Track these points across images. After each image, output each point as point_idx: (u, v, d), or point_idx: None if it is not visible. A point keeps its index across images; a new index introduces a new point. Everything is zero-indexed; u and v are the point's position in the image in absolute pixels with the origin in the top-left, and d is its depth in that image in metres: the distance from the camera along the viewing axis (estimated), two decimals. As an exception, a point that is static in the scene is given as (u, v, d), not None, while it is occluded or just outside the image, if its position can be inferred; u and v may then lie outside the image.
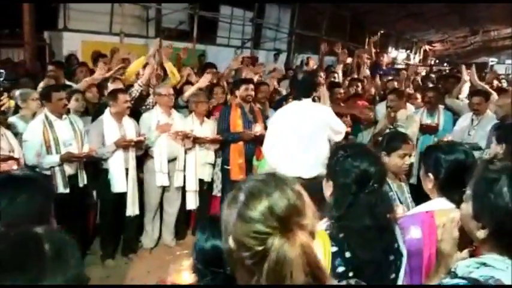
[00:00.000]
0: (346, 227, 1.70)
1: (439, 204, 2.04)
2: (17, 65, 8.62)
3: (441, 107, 5.78)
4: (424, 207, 2.17)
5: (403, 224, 1.95)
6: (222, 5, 13.19)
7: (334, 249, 1.69)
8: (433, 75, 10.83)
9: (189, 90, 5.25)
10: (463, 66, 6.92)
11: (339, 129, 4.02)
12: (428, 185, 2.11)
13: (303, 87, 4.16)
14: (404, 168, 2.97)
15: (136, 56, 5.95)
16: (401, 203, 2.81)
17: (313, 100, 4.38)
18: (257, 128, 4.81)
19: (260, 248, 1.05)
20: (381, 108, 5.92)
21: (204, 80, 5.27)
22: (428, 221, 1.97)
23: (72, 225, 4.35)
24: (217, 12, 13.14)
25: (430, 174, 2.09)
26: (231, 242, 1.11)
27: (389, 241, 1.77)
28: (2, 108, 3.51)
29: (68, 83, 5.66)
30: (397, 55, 21.42)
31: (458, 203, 1.91)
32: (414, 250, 1.89)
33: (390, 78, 7.01)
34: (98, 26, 10.15)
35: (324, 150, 3.65)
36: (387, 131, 5.03)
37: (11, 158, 3.53)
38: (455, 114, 5.83)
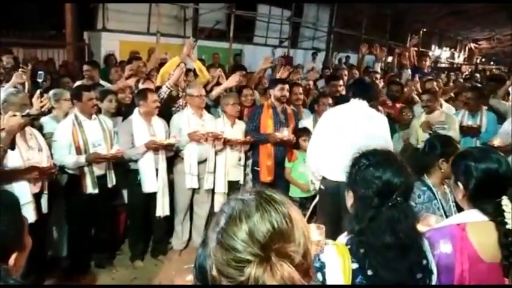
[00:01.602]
0: (366, 242, 1.56)
1: (471, 216, 1.86)
2: (60, 66, 8.85)
3: (484, 108, 5.47)
4: (454, 219, 1.99)
5: (432, 238, 1.80)
6: (260, 4, 13.13)
7: (355, 265, 1.56)
8: (477, 75, 10.33)
9: (216, 90, 5.19)
10: None
11: (388, 141, 3.77)
12: (459, 195, 1.95)
13: (367, 91, 3.95)
14: None
15: (173, 56, 5.93)
16: (445, 212, 2.66)
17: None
18: (285, 132, 4.69)
19: (243, 278, 0.93)
20: (419, 110, 5.68)
21: (232, 80, 5.19)
22: (459, 234, 1.80)
23: (102, 226, 4.42)
24: (255, 12, 13.09)
25: (460, 184, 1.91)
26: (214, 270, 0.99)
27: (414, 260, 1.61)
28: (43, 109, 3.54)
29: (102, 82, 5.71)
30: (440, 53, 20.83)
31: (491, 215, 1.76)
32: (444, 266, 1.74)
33: (429, 78, 6.69)
34: (136, 26, 10.29)
35: None
36: (427, 136, 4.82)
37: (34, 168, 3.54)
38: (502, 117, 5.50)
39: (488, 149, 1.95)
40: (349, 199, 1.72)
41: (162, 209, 4.46)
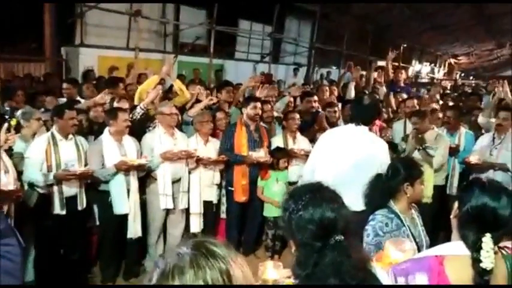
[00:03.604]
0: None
1: (452, 249, 1.79)
2: (37, 82, 8.68)
3: (462, 126, 5.50)
4: (434, 250, 1.93)
5: (409, 269, 1.74)
6: (241, 19, 13.16)
7: None
8: (449, 92, 10.43)
9: (195, 107, 5.16)
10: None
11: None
12: (453, 212, 1.88)
13: (367, 113, 3.74)
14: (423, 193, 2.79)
15: (153, 72, 5.87)
16: (414, 238, 2.62)
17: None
18: (261, 154, 4.66)
19: None
20: (399, 127, 5.66)
21: (209, 99, 5.20)
22: (437, 268, 1.73)
23: (72, 248, 4.30)
24: (236, 27, 13.09)
25: (457, 203, 1.85)
26: None
27: None
28: (8, 144, 3.48)
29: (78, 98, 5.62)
30: (421, 68, 21.09)
31: (470, 246, 1.70)
32: None
33: (409, 96, 6.70)
34: (115, 41, 10.18)
35: None
36: (416, 152, 4.81)
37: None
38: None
39: (502, 187, 1.83)
40: (291, 246, 1.64)
41: (133, 231, 4.34)
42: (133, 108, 4.82)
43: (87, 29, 9.80)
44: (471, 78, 22.51)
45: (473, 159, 4.80)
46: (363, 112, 3.75)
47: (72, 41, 9.71)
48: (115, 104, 4.95)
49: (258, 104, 4.88)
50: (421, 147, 4.79)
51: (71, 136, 4.12)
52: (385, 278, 1.63)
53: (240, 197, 4.75)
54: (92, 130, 4.74)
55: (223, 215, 5.12)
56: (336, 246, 1.49)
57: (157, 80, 5.18)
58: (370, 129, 4.17)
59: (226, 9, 11.65)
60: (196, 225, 4.80)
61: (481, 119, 5.68)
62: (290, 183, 4.88)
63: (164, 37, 11.64)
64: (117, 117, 4.23)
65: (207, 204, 4.86)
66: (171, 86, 5.67)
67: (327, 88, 7.51)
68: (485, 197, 1.73)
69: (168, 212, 4.71)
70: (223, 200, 5.08)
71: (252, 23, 13.48)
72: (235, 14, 12.78)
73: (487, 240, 1.64)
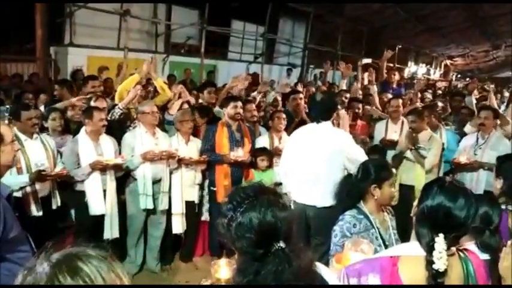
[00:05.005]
0: None
1: (408, 250, 1.74)
2: (26, 81, 8.62)
3: (443, 126, 5.43)
4: (390, 251, 1.89)
5: (361, 270, 1.69)
6: (234, 20, 13.10)
7: None
8: (430, 90, 10.47)
9: (174, 105, 5.10)
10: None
11: (356, 157, 3.57)
12: (413, 210, 1.82)
13: (321, 109, 3.92)
14: (394, 196, 2.72)
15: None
16: (384, 241, 2.55)
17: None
18: (239, 153, 4.56)
19: None
20: (380, 127, 5.57)
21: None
22: (389, 269, 1.68)
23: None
24: (229, 28, 13.02)
25: (416, 202, 1.80)
26: None
27: None
28: None
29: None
30: (416, 70, 21.06)
31: (425, 248, 1.63)
32: None
33: (394, 96, 6.61)
34: (105, 41, 10.11)
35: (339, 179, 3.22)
36: (408, 152, 4.76)
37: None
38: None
39: (462, 188, 1.75)
40: (236, 254, 1.54)
41: (110, 231, 4.25)
42: (113, 107, 4.75)
43: (77, 28, 9.73)
44: (467, 79, 22.48)
45: (462, 159, 4.75)
46: (318, 109, 3.95)
47: (61, 41, 9.63)
48: (92, 103, 4.88)
49: (239, 103, 4.78)
50: (413, 148, 4.72)
51: (35, 135, 4.00)
52: (333, 282, 1.55)
53: (223, 197, 4.65)
54: (68, 129, 4.66)
55: (205, 216, 5.04)
56: (277, 254, 1.39)
57: (137, 79, 5.10)
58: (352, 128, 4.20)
59: (219, 9, 11.59)
60: (178, 225, 4.71)
61: (468, 129, 5.53)
62: (276, 184, 4.78)
63: (156, 37, 11.59)
64: (93, 117, 4.15)
65: (188, 205, 4.77)
66: (157, 86, 5.60)
67: (301, 87, 7.56)
68: (442, 197, 1.66)
69: (148, 212, 4.61)
70: (205, 200, 4.99)
71: (245, 23, 13.42)
72: (228, 14, 12.73)
73: (439, 240, 1.57)
